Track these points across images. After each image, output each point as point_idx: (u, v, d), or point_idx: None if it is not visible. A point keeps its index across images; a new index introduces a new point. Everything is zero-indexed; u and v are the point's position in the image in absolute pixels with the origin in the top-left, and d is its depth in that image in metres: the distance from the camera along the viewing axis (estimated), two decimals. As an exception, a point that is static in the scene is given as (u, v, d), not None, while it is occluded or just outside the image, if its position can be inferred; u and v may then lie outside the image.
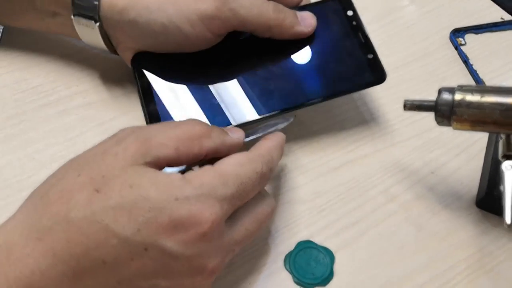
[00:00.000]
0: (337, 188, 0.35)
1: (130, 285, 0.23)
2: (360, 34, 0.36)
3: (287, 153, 0.37)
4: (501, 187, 0.29)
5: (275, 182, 0.35)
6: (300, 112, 0.39)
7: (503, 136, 0.30)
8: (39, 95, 0.38)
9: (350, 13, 0.37)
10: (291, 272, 0.31)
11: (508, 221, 0.28)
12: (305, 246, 0.32)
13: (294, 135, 0.38)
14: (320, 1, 0.38)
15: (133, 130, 0.26)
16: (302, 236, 0.33)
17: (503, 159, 0.30)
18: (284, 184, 0.35)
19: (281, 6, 0.34)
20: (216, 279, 0.30)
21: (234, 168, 0.26)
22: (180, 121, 0.28)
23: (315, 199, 0.34)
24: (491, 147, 0.37)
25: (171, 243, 0.23)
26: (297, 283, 0.31)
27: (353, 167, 0.36)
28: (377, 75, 0.34)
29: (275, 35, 0.34)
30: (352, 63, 0.35)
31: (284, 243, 0.32)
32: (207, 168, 0.25)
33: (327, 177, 0.36)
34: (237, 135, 0.29)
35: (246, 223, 0.27)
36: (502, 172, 0.29)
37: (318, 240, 0.32)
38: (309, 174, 0.36)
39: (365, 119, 0.39)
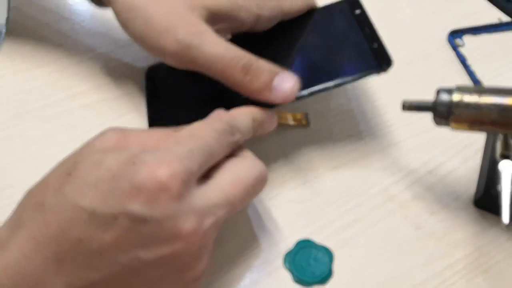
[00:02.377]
0: (336, 188, 0.35)
1: (111, 262, 0.23)
2: (366, 27, 0.36)
3: (287, 153, 0.37)
4: (499, 187, 0.29)
5: (274, 181, 0.35)
6: (301, 112, 0.39)
7: (500, 136, 0.30)
8: (41, 96, 0.38)
9: (358, 11, 0.37)
10: (290, 271, 0.31)
11: (505, 220, 0.28)
12: (305, 245, 0.32)
13: (293, 135, 0.38)
14: (329, 4, 0.38)
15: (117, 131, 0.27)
16: (302, 235, 0.33)
17: (500, 159, 0.30)
18: (284, 183, 0.35)
19: (255, 63, 0.30)
20: (215, 277, 0.30)
21: (188, 131, 0.26)
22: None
23: (314, 198, 0.35)
24: (489, 147, 0.37)
25: (136, 206, 0.22)
26: (297, 282, 0.31)
27: (352, 166, 0.36)
28: (382, 61, 0.34)
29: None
30: (359, 52, 0.35)
31: (284, 242, 0.32)
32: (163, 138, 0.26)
33: (326, 176, 0.36)
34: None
35: (223, 184, 0.26)
36: (500, 171, 0.29)
37: (318, 239, 0.33)
38: (308, 173, 0.36)
39: (364, 119, 0.39)
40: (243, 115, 0.29)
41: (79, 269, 0.23)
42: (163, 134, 0.27)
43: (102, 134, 0.26)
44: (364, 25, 0.36)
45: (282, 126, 0.37)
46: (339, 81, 0.33)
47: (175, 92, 0.37)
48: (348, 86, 0.41)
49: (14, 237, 0.23)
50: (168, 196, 0.23)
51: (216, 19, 0.32)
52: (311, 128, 0.38)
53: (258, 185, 0.28)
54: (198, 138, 0.26)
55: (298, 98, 0.32)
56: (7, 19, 0.42)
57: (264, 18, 0.35)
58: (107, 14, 0.44)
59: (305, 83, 0.32)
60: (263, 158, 0.36)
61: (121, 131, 0.26)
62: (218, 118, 0.28)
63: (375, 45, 0.35)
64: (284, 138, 0.38)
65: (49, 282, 0.22)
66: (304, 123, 0.38)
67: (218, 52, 0.30)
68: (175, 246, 0.23)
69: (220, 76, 0.31)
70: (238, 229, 0.33)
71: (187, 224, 0.23)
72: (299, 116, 0.38)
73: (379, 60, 0.34)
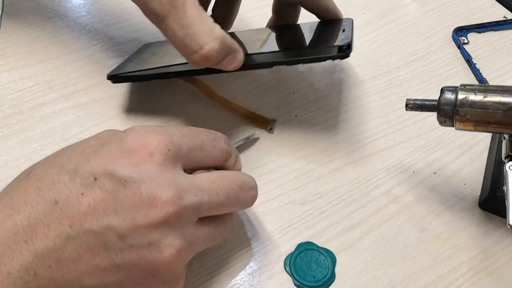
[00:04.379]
0: (339, 189, 0.35)
1: (82, 230, 0.22)
2: (343, 27, 0.36)
3: (288, 154, 0.36)
4: (505, 188, 0.29)
5: (275, 182, 0.35)
6: (300, 112, 0.38)
7: (506, 136, 0.30)
8: (36, 94, 0.37)
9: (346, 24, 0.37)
10: (291, 275, 0.30)
11: (511, 222, 0.27)
12: (306, 248, 0.32)
13: (295, 136, 0.37)
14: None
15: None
16: (303, 237, 0.32)
17: (506, 160, 0.29)
18: (285, 185, 0.35)
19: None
20: (214, 280, 0.30)
21: (186, 126, 0.27)
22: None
23: (316, 200, 0.34)
24: (494, 147, 0.37)
25: (119, 167, 0.22)
26: (298, 286, 0.30)
27: (354, 167, 0.36)
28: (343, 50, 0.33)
29: None
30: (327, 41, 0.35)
31: (284, 244, 0.32)
32: None
33: (329, 177, 0.35)
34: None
35: (210, 175, 0.25)
36: (506, 172, 0.29)
37: (319, 241, 0.32)
38: (310, 175, 0.35)
39: (366, 119, 0.39)
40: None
41: (49, 237, 0.22)
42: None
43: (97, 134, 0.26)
44: (346, 30, 0.36)
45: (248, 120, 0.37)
46: (294, 58, 0.33)
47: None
48: (352, 86, 0.41)
49: None
50: (151, 161, 0.23)
51: None
52: (313, 129, 0.38)
53: (245, 190, 0.26)
54: (192, 130, 0.26)
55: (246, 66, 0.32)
56: (1, 16, 0.41)
57: None
58: (103, 11, 0.44)
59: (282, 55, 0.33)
60: (263, 158, 0.36)
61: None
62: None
63: (344, 40, 0.34)
64: (284, 138, 0.37)
65: (16, 250, 0.21)
66: (267, 129, 0.37)
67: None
68: (149, 214, 0.22)
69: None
70: (238, 232, 0.32)
71: (166, 193, 0.22)
72: (265, 119, 0.37)
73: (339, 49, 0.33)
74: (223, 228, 0.27)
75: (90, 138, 0.25)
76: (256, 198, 0.28)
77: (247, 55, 0.32)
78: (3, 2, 0.42)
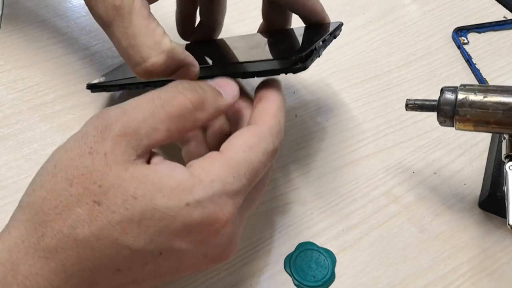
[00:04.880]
0: (339, 189, 0.35)
1: (144, 282, 0.23)
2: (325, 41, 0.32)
3: (288, 154, 0.36)
4: (504, 188, 0.29)
5: (276, 182, 0.34)
6: (300, 112, 0.38)
7: (506, 136, 0.30)
8: (36, 95, 0.37)
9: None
10: (291, 275, 0.30)
11: (511, 222, 0.27)
12: (306, 248, 0.32)
13: (295, 136, 0.37)
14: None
15: (116, 116, 0.23)
16: (303, 237, 0.32)
17: (506, 160, 0.29)
18: (285, 185, 0.35)
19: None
20: (214, 280, 0.30)
21: (245, 155, 0.23)
22: (167, 91, 0.24)
23: (316, 200, 0.34)
24: (494, 147, 0.37)
25: (186, 245, 0.22)
26: (298, 286, 0.30)
27: (354, 167, 0.36)
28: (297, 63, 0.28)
29: None
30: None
31: (285, 244, 0.32)
32: (214, 156, 0.23)
33: (329, 178, 0.35)
34: (231, 91, 0.26)
35: (255, 198, 0.26)
36: (506, 172, 0.29)
37: (319, 241, 0.32)
38: (311, 175, 0.35)
39: (366, 119, 0.39)
40: (282, 111, 0.26)
41: None
42: (170, 109, 0.23)
43: (104, 130, 0.22)
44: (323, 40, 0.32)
45: None
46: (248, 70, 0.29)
47: None
48: (352, 86, 0.41)
49: (39, 267, 0.21)
50: (217, 236, 0.23)
51: None
52: (313, 129, 0.38)
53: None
54: (253, 167, 0.23)
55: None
56: (1, 16, 0.41)
57: None
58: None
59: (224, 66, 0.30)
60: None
61: (124, 124, 0.22)
62: (269, 128, 0.25)
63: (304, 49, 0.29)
64: (284, 138, 0.37)
65: None
66: None
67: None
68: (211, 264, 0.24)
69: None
70: (238, 232, 0.32)
71: (228, 251, 0.24)
72: None
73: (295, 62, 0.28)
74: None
75: (141, 194, 0.21)
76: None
77: (203, 67, 0.29)
78: (3, 2, 0.42)
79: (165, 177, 0.22)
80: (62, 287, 0.21)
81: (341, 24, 0.33)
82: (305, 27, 0.35)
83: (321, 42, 0.29)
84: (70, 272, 0.21)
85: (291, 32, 0.35)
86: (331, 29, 0.32)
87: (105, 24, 0.25)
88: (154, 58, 0.25)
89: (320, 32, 0.33)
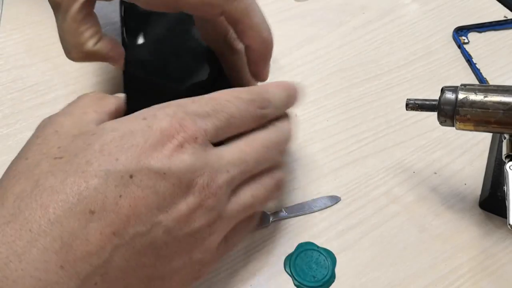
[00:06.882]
0: (339, 189, 0.34)
1: (128, 235, 0.20)
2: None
3: (288, 154, 0.36)
4: (505, 188, 0.29)
5: (275, 182, 0.34)
6: (300, 112, 0.38)
7: (506, 136, 0.30)
8: (36, 94, 0.37)
9: None
10: (291, 275, 0.30)
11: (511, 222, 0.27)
12: (306, 248, 0.31)
13: (296, 136, 0.37)
14: None
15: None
16: (303, 237, 0.32)
17: (506, 160, 0.29)
18: (285, 185, 0.34)
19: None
20: (214, 281, 0.30)
21: (209, 95, 0.24)
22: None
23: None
24: (495, 147, 0.37)
25: (153, 160, 0.21)
26: (298, 286, 0.30)
27: (354, 167, 0.36)
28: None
29: None
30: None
31: (285, 244, 0.32)
32: None
33: (328, 178, 0.35)
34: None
35: (237, 143, 0.25)
36: (506, 172, 0.29)
37: (319, 241, 0.32)
38: (310, 175, 0.35)
39: (366, 119, 0.39)
40: (277, 87, 0.27)
41: (91, 253, 0.19)
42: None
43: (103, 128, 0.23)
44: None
45: None
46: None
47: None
48: (352, 86, 0.41)
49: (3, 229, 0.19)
50: (183, 152, 0.22)
51: None
52: (312, 128, 0.38)
53: (272, 150, 0.26)
54: (217, 102, 0.24)
55: None
56: (0, 16, 0.41)
57: None
58: (103, 9, 0.44)
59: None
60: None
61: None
62: (248, 88, 0.26)
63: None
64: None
65: (51, 281, 0.19)
66: None
67: None
68: (190, 202, 0.22)
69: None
70: (238, 232, 0.32)
71: (201, 178, 0.22)
72: None
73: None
74: (263, 190, 0.26)
75: (97, 131, 0.22)
76: (284, 151, 0.27)
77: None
78: (2, 2, 0.42)
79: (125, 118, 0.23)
80: (28, 253, 0.19)
81: None
82: None
83: None
84: (35, 231, 0.19)
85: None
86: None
87: (52, 8, 0.28)
88: (74, 55, 0.29)
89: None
